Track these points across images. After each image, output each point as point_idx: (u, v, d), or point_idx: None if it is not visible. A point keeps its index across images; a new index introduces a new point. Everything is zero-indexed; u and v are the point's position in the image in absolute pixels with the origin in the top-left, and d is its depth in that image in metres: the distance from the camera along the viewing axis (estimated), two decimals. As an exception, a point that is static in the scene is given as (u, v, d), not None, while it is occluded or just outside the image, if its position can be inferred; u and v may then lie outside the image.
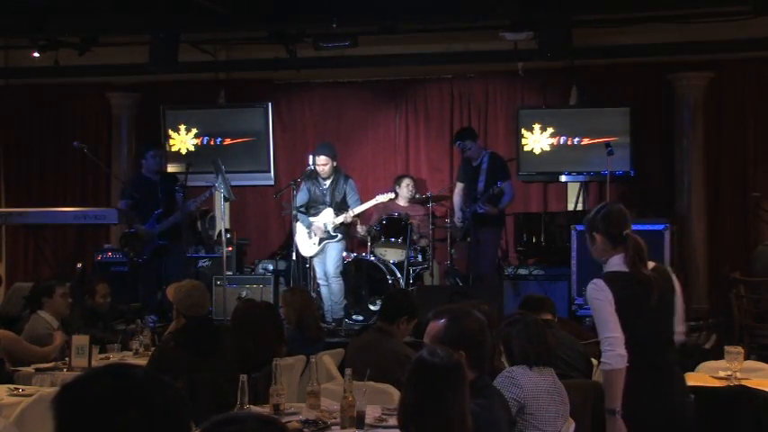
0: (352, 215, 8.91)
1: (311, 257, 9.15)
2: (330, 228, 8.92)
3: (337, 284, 9.01)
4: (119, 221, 9.68)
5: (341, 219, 8.89)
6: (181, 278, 6.72)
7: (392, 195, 9.36)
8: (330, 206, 8.96)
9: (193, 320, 5.32)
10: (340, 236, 8.99)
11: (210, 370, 4.90)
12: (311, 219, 9.00)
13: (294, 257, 9.37)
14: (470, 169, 9.11)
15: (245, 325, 5.57)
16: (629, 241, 3.97)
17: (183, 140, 10.81)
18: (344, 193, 9.01)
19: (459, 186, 9.38)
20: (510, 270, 9.29)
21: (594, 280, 3.96)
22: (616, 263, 3.99)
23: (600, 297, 3.90)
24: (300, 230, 9.08)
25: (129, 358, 6.27)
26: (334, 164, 9.00)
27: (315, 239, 8.98)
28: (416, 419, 2.98)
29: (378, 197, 9.09)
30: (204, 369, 4.90)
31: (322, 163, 8.92)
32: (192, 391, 4.56)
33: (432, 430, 2.94)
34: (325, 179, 9.00)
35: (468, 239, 9.05)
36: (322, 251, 9.02)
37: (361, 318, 9.09)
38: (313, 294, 9.20)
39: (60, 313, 6.69)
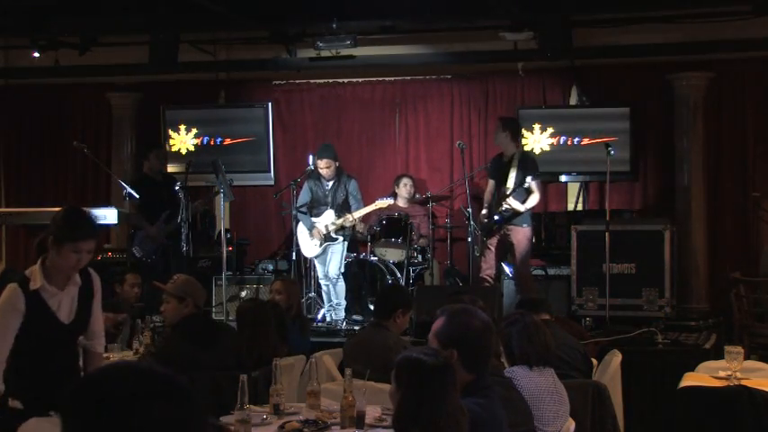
0: (351, 219, 8.88)
1: (313, 258, 9.15)
2: (331, 230, 8.90)
3: (339, 286, 9.01)
4: (119, 221, 9.66)
5: (340, 222, 8.88)
6: None
7: (391, 201, 9.26)
8: (332, 207, 8.95)
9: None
10: (341, 238, 8.98)
11: (209, 370, 4.90)
12: (313, 219, 9.00)
13: (294, 257, 9.37)
14: (500, 164, 8.67)
15: (252, 324, 5.57)
16: None
17: (183, 140, 10.81)
18: (347, 194, 8.99)
19: (490, 183, 8.88)
20: (510, 270, 9.28)
21: None
22: None
23: None
24: (302, 230, 9.08)
25: (130, 358, 6.26)
26: (337, 164, 8.99)
27: (316, 240, 8.98)
28: (409, 419, 2.98)
29: (377, 201, 9.02)
30: (204, 367, 4.90)
31: (325, 166, 8.90)
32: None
33: (425, 429, 2.94)
34: (328, 180, 9.00)
35: (496, 238, 8.62)
36: (324, 252, 9.01)
37: (360, 318, 9.06)
38: (314, 294, 9.23)
39: None
